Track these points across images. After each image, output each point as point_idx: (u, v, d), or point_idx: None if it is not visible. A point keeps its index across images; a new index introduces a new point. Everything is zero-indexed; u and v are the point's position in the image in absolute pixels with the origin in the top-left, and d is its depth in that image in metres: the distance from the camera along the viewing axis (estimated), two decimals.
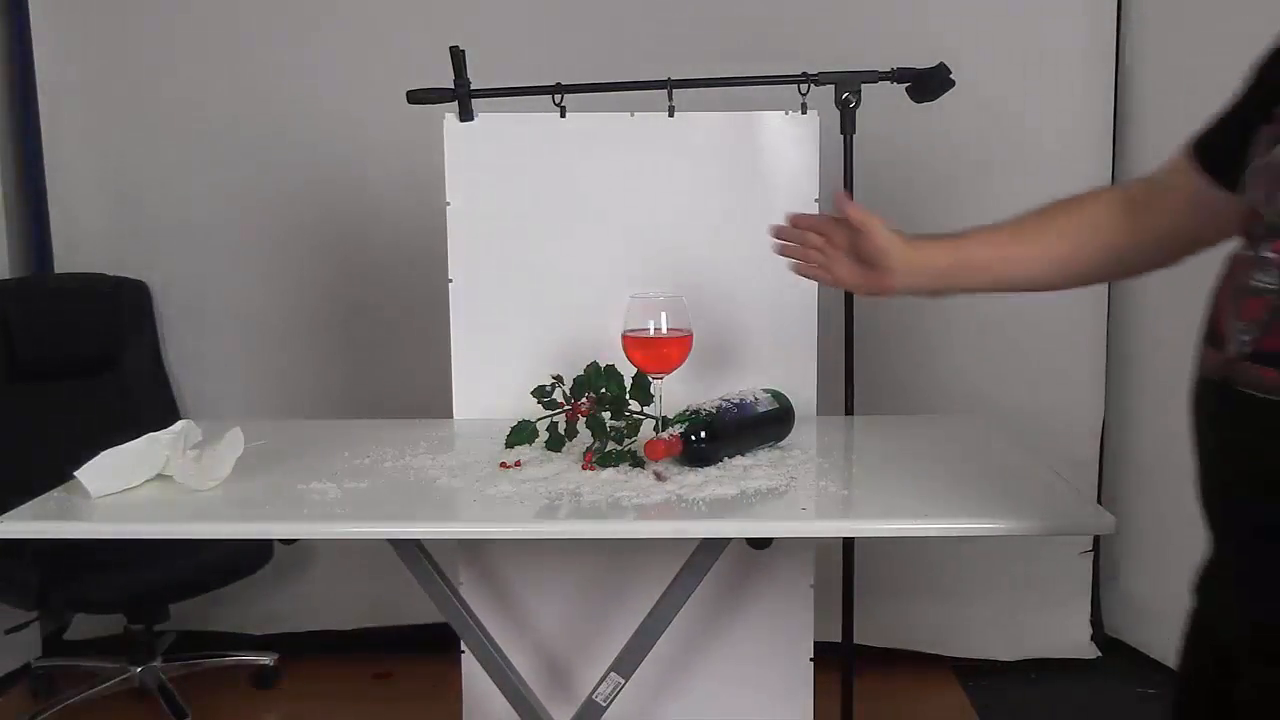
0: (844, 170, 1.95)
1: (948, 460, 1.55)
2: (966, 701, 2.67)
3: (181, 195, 2.80)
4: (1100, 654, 2.80)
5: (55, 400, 2.66)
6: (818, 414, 1.88)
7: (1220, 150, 1.06)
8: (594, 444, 1.55)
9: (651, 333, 1.54)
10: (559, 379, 1.60)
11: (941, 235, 1.28)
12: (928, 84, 1.93)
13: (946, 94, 1.95)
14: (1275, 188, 0.88)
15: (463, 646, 1.80)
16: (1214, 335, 0.91)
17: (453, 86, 1.83)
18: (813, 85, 1.84)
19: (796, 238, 1.34)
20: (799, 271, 1.35)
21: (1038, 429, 2.31)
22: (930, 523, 1.29)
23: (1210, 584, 0.99)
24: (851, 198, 1.29)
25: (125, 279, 2.79)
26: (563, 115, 1.85)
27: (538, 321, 1.87)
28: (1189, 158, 1.11)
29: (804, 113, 1.84)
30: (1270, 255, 0.86)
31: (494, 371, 1.85)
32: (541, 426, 1.60)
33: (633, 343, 1.54)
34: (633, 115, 1.86)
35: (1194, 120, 1.11)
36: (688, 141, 1.87)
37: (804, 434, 1.67)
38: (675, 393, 1.60)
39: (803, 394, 1.78)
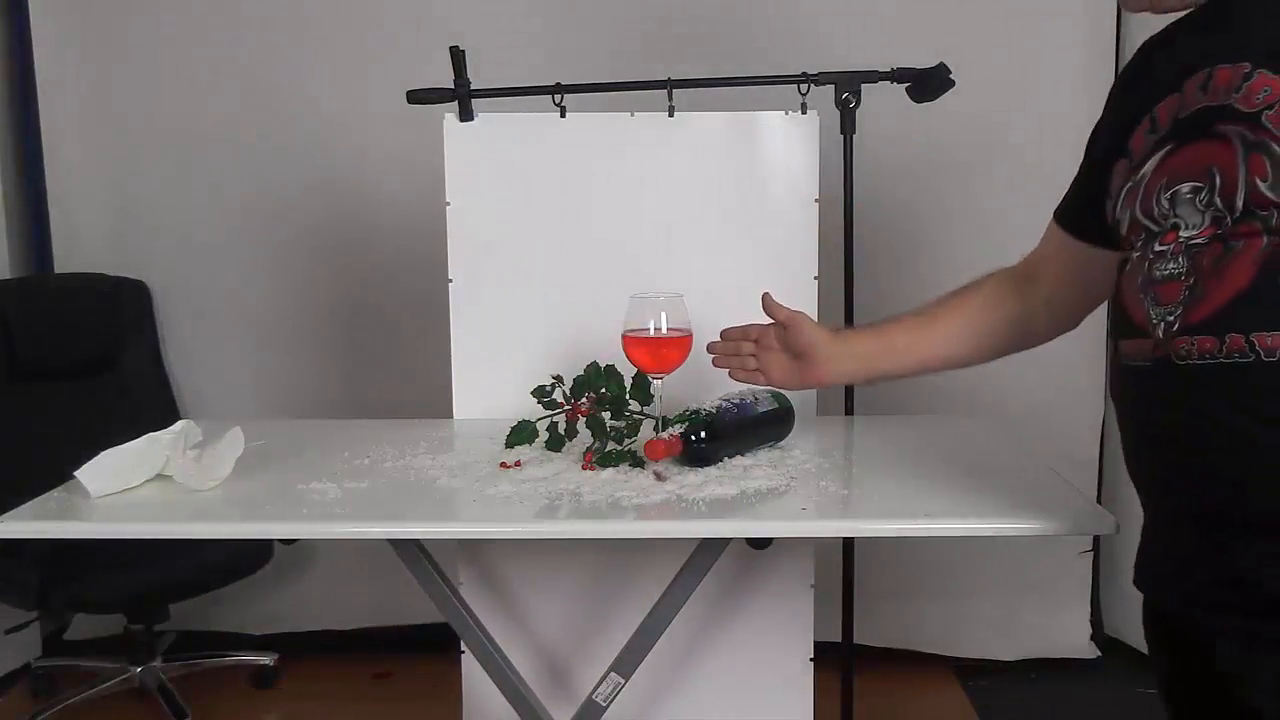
0: (844, 170, 1.95)
1: (948, 460, 1.55)
2: (966, 701, 2.67)
3: (181, 195, 2.80)
4: (1100, 654, 2.80)
5: (55, 400, 2.66)
6: (818, 414, 1.88)
7: (1081, 211, 1.20)
8: (594, 444, 1.55)
9: (651, 333, 1.54)
10: (559, 379, 1.60)
11: (863, 325, 1.44)
12: (928, 84, 1.93)
13: (946, 94, 1.95)
14: (1149, 198, 1.00)
15: (463, 646, 1.80)
16: (1134, 328, 1.00)
17: (453, 86, 1.83)
18: (813, 85, 1.84)
19: (730, 349, 1.47)
20: (736, 378, 1.48)
21: (1038, 429, 2.31)
22: (930, 523, 1.29)
23: (1147, 567, 1.07)
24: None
25: (125, 279, 2.79)
26: (563, 115, 1.85)
27: (538, 321, 1.87)
28: (1057, 226, 1.27)
29: (804, 113, 1.84)
30: (1164, 248, 0.98)
31: (494, 371, 1.85)
32: (541, 426, 1.60)
33: (633, 343, 1.54)
34: (633, 115, 1.86)
35: None
36: (688, 141, 1.87)
37: (804, 434, 1.67)
38: (675, 393, 1.60)
39: (803, 394, 1.77)
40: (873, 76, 1.90)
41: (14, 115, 2.87)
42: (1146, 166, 1.02)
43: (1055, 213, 1.28)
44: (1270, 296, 0.89)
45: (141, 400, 2.77)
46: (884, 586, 2.68)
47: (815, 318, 1.85)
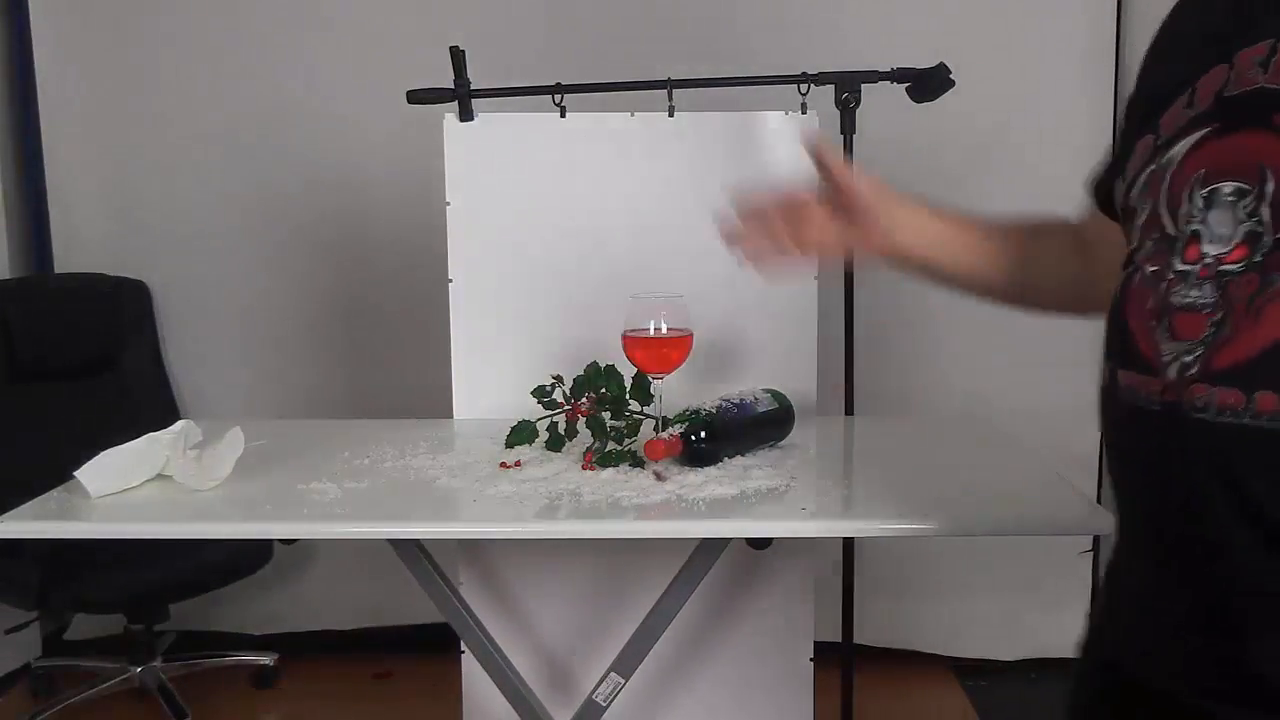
0: None
1: (948, 460, 1.55)
2: (966, 701, 2.67)
3: (181, 195, 2.80)
4: None
5: (55, 400, 2.66)
6: (818, 414, 1.88)
7: (1105, 182, 1.02)
8: (594, 444, 1.55)
9: (651, 333, 1.54)
10: (559, 379, 1.59)
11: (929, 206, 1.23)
12: (928, 84, 1.93)
13: (946, 94, 1.95)
14: (1178, 190, 0.82)
15: (463, 646, 1.80)
16: (1139, 359, 0.83)
17: (453, 86, 1.83)
18: (813, 85, 1.84)
19: (754, 223, 1.21)
20: (760, 262, 1.21)
21: (1038, 429, 2.31)
22: (930, 523, 1.29)
23: (1123, 629, 0.91)
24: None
25: (125, 279, 2.79)
26: (563, 115, 1.85)
27: (538, 321, 1.87)
28: (1091, 202, 1.08)
29: (804, 113, 1.84)
30: (1188, 267, 0.80)
31: (494, 371, 1.85)
32: (541, 426, 1.60)
33: (633, 343, 1.54)
34: (633, 115, 1.86)
35: None
36: (688, 141, 1.87)
37: (804, 434, 1.67)
38: (675, 393, 1.60)
39: (803, 394, 1.78)
40: (873, 76, 1.90)
41: (14, 115, 2.87)
42: (1176, 149, 0.83)
43: (1088, 186, 1.10)
44: None
45: (141, 400, 2.77)
46: (884, 586, 2.68)
47: (815, 318, 1.86)
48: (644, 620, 1.54)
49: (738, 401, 1.55)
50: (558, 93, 1.84)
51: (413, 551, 1.51)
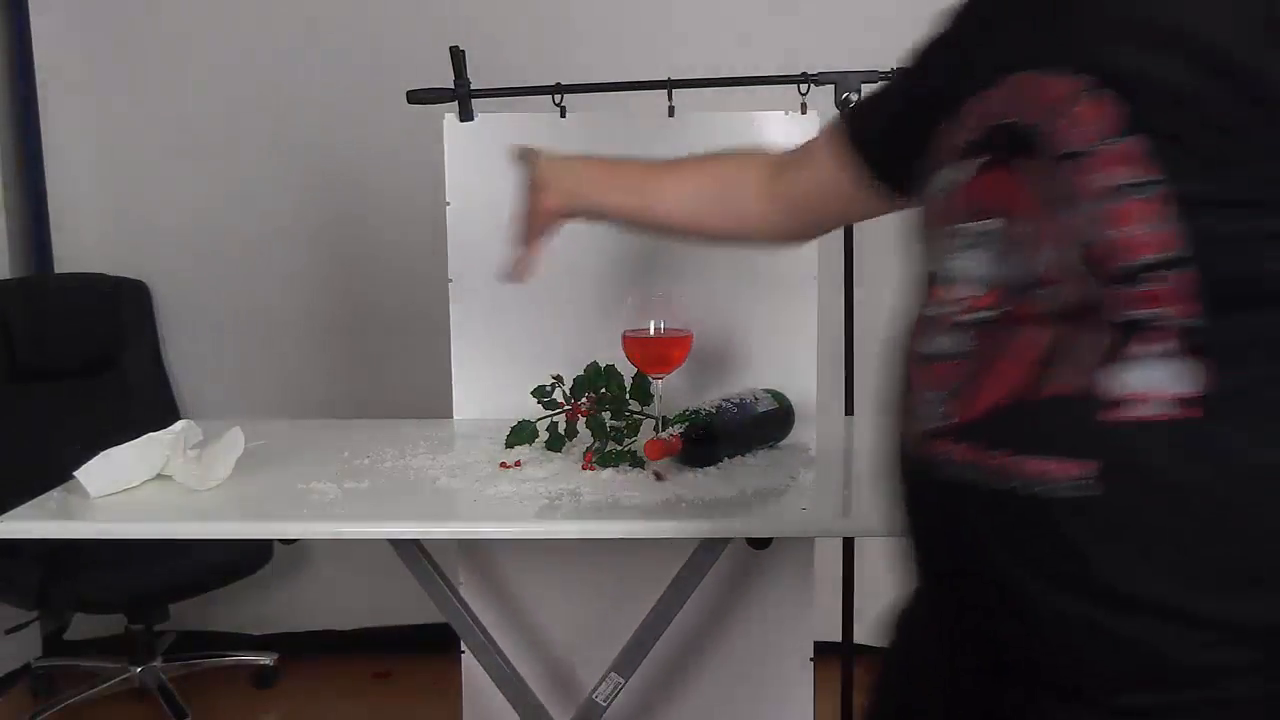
0: None
1: None
2: None
3: (182, 195, 2.80)
4: None
5: (55, 400, 2.66)
6: (818, 414, 1.88)
7: (879, 142, 1.01)
8: (594, 444, 1.55)
9: (651, 333, 1.54)
10: (559, 379, 1.60)
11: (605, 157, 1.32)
12: None
13: None
14: (943, 227, 0.76)
15: (463, 646, 1.80)
16: (902, 405, 0.80)
17: (453, 86, 1.83)
18: (813, 85, 1.84)
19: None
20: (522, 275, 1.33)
21: None
22: None
23: (912, 632, 0.95)
24: None
25: (125, 279, 2.79)
26: (563, 115, 1.85)
27: (538, 321, 1.87)
28: (846, 143, 1.04)
29: (804, 113, 1.84)
30: (943, 311, 0.74)
31: (494, 371, 1.85)
32: (541, 426, 1.60)
33: (633, 343, 1.54)
34: (633, 115, 1.86)
35: None
36: (688, 141, 1.86)
37: (804, 434, 1.67)
38: (675, 393, 1.60)
39: (803, 394, 1.78)
40: (873, 76, 1.89)
41: (14, 115, 2.87)
42: (952, 178, 0.77)
43: (852, 131, 1.04)
44: (1041, 409, 0.68)
45: (141, 400, 2.77)
46: (884, 586, 2.68)
47: (815, 318, 1.86)
48: (644, 620, 1.54)
49: (738, 401, 1.55)
50: (558, 93, 1.84)
51: (413, 551, 1.51)
